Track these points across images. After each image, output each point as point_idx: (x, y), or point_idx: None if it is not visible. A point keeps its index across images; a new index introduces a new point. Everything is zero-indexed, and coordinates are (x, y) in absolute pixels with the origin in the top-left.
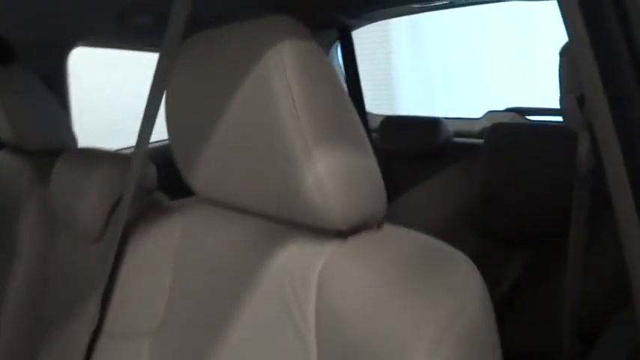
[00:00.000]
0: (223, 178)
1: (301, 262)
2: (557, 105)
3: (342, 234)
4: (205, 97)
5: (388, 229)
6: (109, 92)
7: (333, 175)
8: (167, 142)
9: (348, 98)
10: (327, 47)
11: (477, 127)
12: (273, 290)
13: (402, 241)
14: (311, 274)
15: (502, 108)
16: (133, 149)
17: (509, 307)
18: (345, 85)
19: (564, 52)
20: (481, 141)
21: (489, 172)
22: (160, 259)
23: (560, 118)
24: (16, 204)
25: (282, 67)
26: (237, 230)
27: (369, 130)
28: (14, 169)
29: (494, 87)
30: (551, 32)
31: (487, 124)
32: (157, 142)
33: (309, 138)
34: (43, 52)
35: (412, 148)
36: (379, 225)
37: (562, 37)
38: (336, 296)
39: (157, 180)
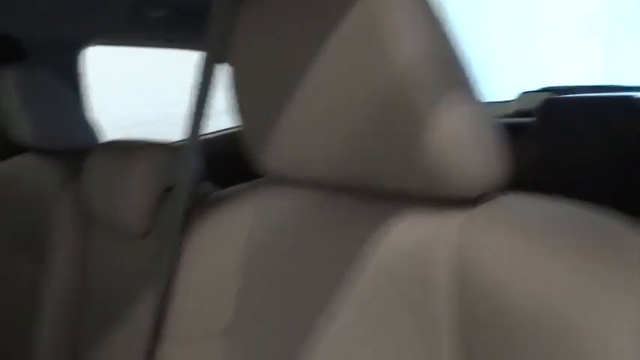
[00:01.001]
0: (311, 152)
1: (421, 238)
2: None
3: (470, 201)
4: (283, 62)
5: (516, 195)
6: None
7: (460, 136)
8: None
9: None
10: None
11: (511, 109)
12: (383, 274)
13: (543, 206)
14: (440, 249)
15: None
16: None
17: None
18: None
19: None
20: (524, 119)
21: (545, 147)
22: (227, 251)
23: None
24: (45, 210)
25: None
26: (327, 210)
27: None
28: (40, 172)
29: (498, 71)
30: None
31: (522, 105)
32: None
33: (433, 95)
34: (58, 51)
35: None
36: (504, 191)
37: None
38: (486, 272)
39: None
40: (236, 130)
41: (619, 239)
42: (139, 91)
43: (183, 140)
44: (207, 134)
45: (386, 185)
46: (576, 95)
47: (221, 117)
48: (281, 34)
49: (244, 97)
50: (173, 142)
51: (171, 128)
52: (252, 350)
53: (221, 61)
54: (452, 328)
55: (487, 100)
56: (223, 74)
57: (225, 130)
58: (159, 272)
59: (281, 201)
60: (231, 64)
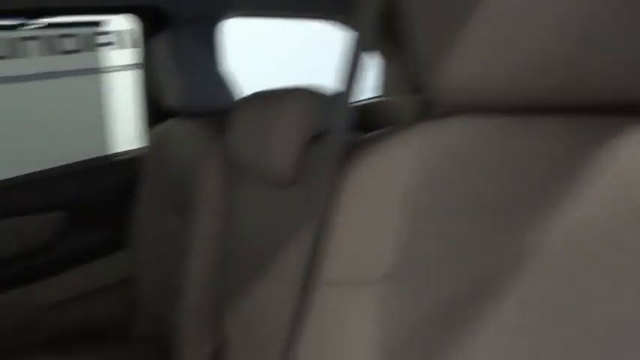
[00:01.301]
0: (501, 71)
1: None
2: None
3: None
4: None
5: None
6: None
7: None
8: None
9: None
10: None
11: None
12: (607, 206)
13: None
14: None
15: None
16: None
17: None
18: None
19: None
20: None
21: None
22: (388, 192)
23: None
24: (193, 168)
25: None
26: (524, 137)
27: None
28: (188, 133)
29: None
30: None
31: None
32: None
33: None
34: (201, 22)
35: None
36: None
37: None
38: None
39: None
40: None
41: None
42: (277, 61)
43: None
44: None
45: (606, 97)
46: None
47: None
48: None
49: (419, 20)
50: (321, 88)
51: None
52: (414, 300)
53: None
54: None
55: None
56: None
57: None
58: (312, 218)
59: (456, 134)
60: None
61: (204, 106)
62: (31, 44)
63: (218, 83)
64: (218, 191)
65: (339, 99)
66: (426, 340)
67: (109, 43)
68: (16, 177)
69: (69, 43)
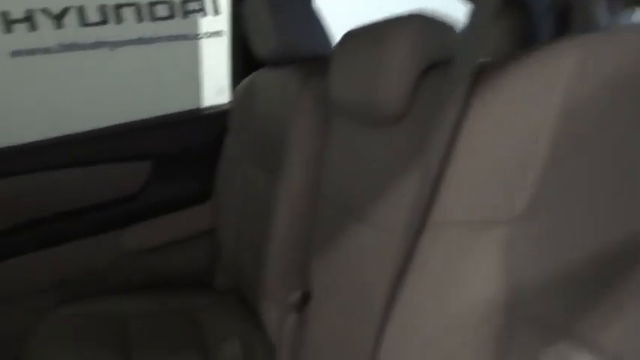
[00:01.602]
0: None
1: None
2: None
3: None
4: None
5: None
6: None
7: None
8: None
9: None
10: None
11: None
12: None
13: None
14: None
15: None
16: None
17: None
18: None
19: None
20: None
21: None
22: (532, 119)
23: None
24: (282, 117)
25: None
26: None
27: None
28: (277, 81)
29: None
30: None
31: None
32: None
33: None
34: None
35: None
36: None
37: None
38: None
39: None
40: None
41: None
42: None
43: None
44: None
45: None
46: None
47: None
48: None
49: None
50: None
51: None
52: (548, 248)
53: None
54: None
55: None
56: None
57: None
58: (425, 155)
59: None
60: None
61: (298, 53)
62: (126, 11)
63: (312, 29)
64: (310, 136)
65: (470, 20)
66: (555, 297)
67: (200, 10)
68: (108, 127)
69: (162, 10)
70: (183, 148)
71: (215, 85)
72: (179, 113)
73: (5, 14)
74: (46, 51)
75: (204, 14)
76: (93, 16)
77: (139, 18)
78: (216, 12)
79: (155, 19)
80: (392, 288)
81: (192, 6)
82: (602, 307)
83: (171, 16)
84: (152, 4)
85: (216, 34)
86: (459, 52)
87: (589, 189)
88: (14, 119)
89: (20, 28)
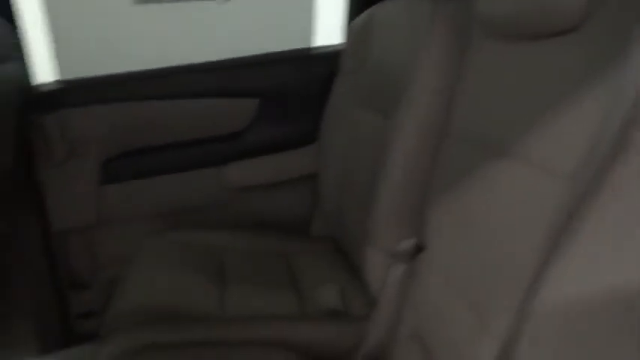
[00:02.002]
0: None
1: None
2: None
3: None
4: None
5: None
6: None
7: None
8: None
9: None
10: None
11: None
12: None
13: None
14: None
15: None
16: None
17: None
18: None
19: None
20: None
21: None
22: None
23: None
24: (411, 50)
25: None
26: None
27: None
28: (407, 10)
29: None
30: None
31: None
32: None
33: None
34: None
35: None
36: None
37: None
38: None
39: None
40: None
41: None
42: None
43: None
44: None
45: None
46: None
47: None
48: None
49: None
50: None
51: None
52: None
53: None
54: None
55: None
56: None
57: None
58: (620, 74)
59: None
60: None
61: None
62: None
63: None
64: (439, 67)
65: None
66: None
67: None
68: (218, 61)
69: None
70: (291, 88)
71: (328, 24)
72: (290, 51)
73: None
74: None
75: None
76: None
77: None
78: None
79: None
80: (549, 242)
81: None
82: None
83: None
84: None
85: None
86: None
87: None
88: (135, 61)
89: None
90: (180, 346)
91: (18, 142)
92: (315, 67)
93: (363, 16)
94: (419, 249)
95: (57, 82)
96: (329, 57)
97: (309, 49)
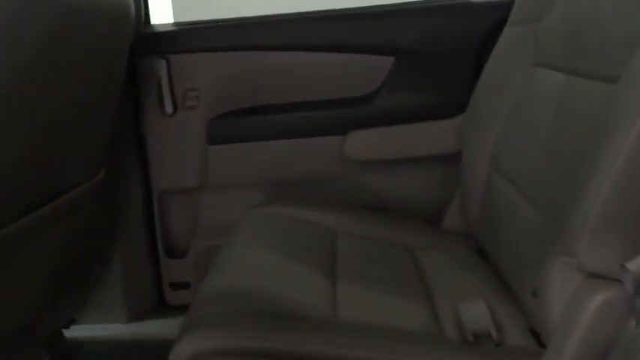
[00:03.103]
0: None
1: None
2: None
3: None
4: None
5: None
6: None
7: None
8: None
9: None
10: None
11: None
12: None
13: None
14: None
15: None
16: None
17: None
18: None
19: None
20: None
21: None
22: None
23: None
24: None
25: None
26: None
27: None
28: None
29: None
30: None
31: None
32: None
33: None
34: None
35: None
36: None
37: None
38: None
39: None
40: None
41: None
42: None
43: None
44: None
45: None
46: None
47: None
48: None
49: None
50: None
51: None
52: None
53: None
54: None
55: None
56: None
57: None
58: None
59: None
60: None
61: None
62: None
63: None
64: None
65: None
66: None
67: None
68: (344, 9)
69: None
70: (436, 45)
71: None
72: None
73: None
74: None
75: None
76: None
77: None
78: None
79: None
80: None
81: None
82: None
83: None
84: None
85: None
86: None
87: None
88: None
89: None
90: (273, 356)
91: (125, 89)
92: (469, 19)
93: None
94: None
95: (169, 24)
96: (490, 6)
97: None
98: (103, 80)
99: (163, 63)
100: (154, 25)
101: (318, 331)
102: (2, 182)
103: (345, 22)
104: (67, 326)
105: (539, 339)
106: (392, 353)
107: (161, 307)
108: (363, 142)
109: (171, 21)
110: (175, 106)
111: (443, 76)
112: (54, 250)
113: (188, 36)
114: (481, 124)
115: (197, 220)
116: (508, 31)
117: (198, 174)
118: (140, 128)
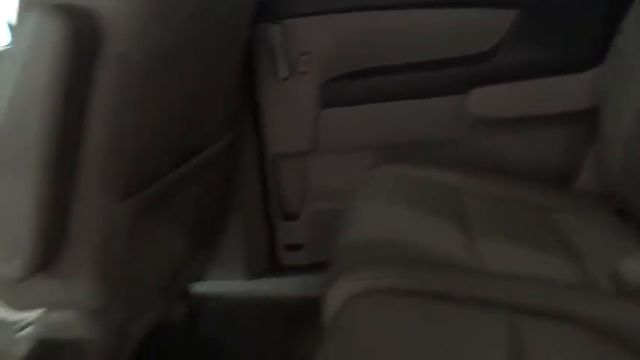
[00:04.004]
0: None
1: None
2: None
3: None
4: None
5: None
6: None
7: None
8: None
9: None
10: None
11: None
12: None
13: None
14: None
15: None
16: None
17: None
18: None
19: None
20: None
21: None
22: None
23: None
24: None
25: None
26: None
27: None
28: None
29: None
30: None
31: None
32: None
33: None
34: None
35: None
36: None
37: None
38: None
39: None
40: None
41: None
42: None
43: None
44: None
45: None
46: None
47: None
48: None
49: None
50: None
51: None
52: None
53: None
54: None
55: None
56: None
57: None
58: None
59: None
60: None
61: None
62: None
63: None
64: None
65: None
66: None
67: None
68: None
69: None
70: None
71: None
72: None
73: None
74: None
75: None
76: None
77: None
78: None
79: None
80: None
81: None
82: None
83: None
84: None
85: None
86: None
87: None
88: None
89: None
90: (427, 296)
91: (245, 55)
92: None
93: None
94: None
95: None
96: None
97: None
98: (231, 45)
99: (277, 28)
100: None
101: (470, 275)
102: (159, 138)
103: None
104: (195, 282)
105: None
106: (552, 298)
107: (276, 268)
108: (487, 99)
109: None
110: (289, 71)
111: (573, 27)
112: (196, 203)
113: (301, 0)
114: (626, 74)
115: (309, 184)
116: None
117: (311, 138)
118: (255, 94)
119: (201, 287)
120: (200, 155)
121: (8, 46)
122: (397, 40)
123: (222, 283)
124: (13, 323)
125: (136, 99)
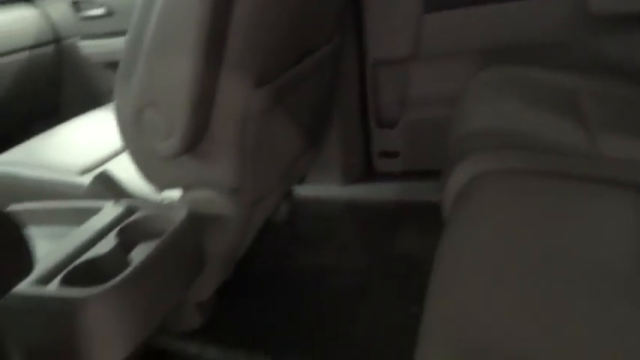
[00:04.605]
0: None
1: None
2: None
3: None
4: None
5: None
6: None
7: None
8: None
9: None
10: None
11: None
12: None
13: None
14: None
15: None
16: None
17: None
18: None
19: None
20: None
21: None
22: None
23: None
24: None
25: None
26: None
27: None
28: None
29: None
30: None
31: None
32: None
33: None
34: None
35: None
36: None
37: None
38: None
39: None
40: None
41: None
42: None
43: None
44: None
45: None
46: None
47: None
48: None
49: None
50: None
51: None
52: None
53: None
54: None
55: None
56: None
57: None
58: None
59: None
60: None
61: None
62: None
63: None
64: None
65: None
66: None
67: None
68: None
69: None
70: None
71: None
72: None
73: None
74: None
75: None
76: None
77: None
78: None
79: None
80: None
81: None
82: None
83: None
84: None
85: None
86: None
87: None
88: None
89: None
90: (551, 175)
91: None
92: None
93: None
94: None
95: None
96: None
97: None
98: None
99: None
100: None
101: (594, 158)
102: (286, 33)
103: None
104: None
105: None
106: None
107: (371, 174)
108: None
109: None
110: None
111: None
112: (309, 102)
113: None
114: None
115: (409, 91)
116: None
117: (413, 44)
118: None
119: (300, 190)
120: (315, 54)
121: None
122: None
123: (321, 187)
124: (157, 203)
125: None
